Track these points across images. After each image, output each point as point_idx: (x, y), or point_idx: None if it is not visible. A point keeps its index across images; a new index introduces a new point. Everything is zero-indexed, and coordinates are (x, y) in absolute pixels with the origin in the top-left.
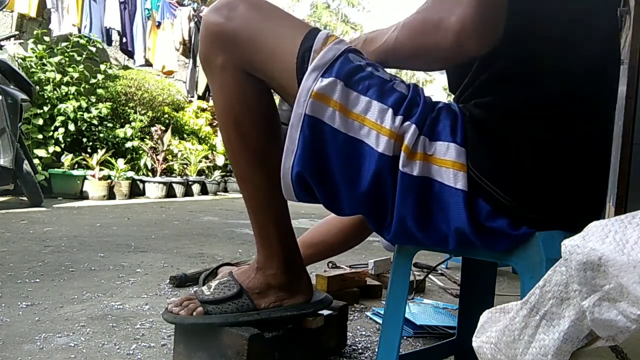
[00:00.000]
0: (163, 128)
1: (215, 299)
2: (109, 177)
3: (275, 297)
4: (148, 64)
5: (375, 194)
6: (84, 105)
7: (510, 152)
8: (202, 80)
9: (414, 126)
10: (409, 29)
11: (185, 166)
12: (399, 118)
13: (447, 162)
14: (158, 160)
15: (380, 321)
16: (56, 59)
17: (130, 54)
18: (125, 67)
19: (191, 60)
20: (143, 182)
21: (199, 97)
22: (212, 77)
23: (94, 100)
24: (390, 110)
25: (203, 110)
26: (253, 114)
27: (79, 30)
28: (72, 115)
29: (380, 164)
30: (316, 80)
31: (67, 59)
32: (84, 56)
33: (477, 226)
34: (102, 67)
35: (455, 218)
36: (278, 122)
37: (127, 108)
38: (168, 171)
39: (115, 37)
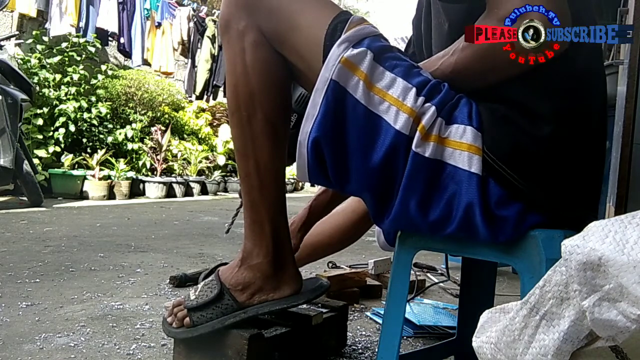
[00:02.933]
0: (163, 128)
1: (198, 305)
2: (109, 177)
3: (260, 292)
4: (146, 64)
5: (385, 170)
6: (85, 105)
7: (527, 138)
8: (200, 81)
9: (433, 107)
10: (475, 49)
11: (185, 166)
12: (421, 99)
13: (463, 145)
14: (158, 160)
15: (380, 321)
16: (55, 59)
17: (128, 55)
18: (125, 67)
19: (190, 60)
20: (143, 182)
21: (197, 97)
22: (231, 42)
23: (94, 101)
24: (413, 90)
25: (203, 110)
26: (270, 85)
27: (76, 31)
28: (72, 116)
29: (395, 141)
30: (347, 49)
31: (66, 59)
32: (83, 56)
33: (487, 211)
34: (104, 67)
35: (467, 198)
36: (291, 100)
37: (127, 108)
38: (168, 171)
39: (111, 37)
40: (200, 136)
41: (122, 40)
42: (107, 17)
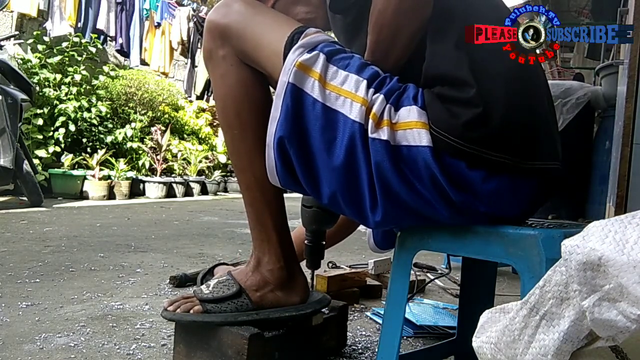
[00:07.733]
0: (163, 128)
1: (214, 298)
2: (109, 177)
3: (273, 297)
4: (144, 64)
5: (350, 165)
6: (85, 105)
7: (459, 104)
8: (200, 81)
9: (382, 96)
10: (372, 29)
11: (185, 166)
12: (371, 90)
13: (411, 124)
14: (158, 160)
15: (380, 321)
16: (56, 59)
17: (126, 55)
18: (125, 67)
19: (189, 60)
20: (143, 182)
21: (197, 97)
22: (214, 69)
23: (94, 101)
24: (364, 82)
25: (203, 110)
26: (252, 102)
27: (75, 31)
28: (72, 116)
29: (353, 131)
30: (302, 54)
31: (67, 59)
32: (84, 56)
33: (451, 180)
34: (106, 69)
35: (428, 172)
36: None
37: (127, 108)
38: (168, 171)
39: (112, 39)
40: (200, 136)
41: (120, 40)
42: (105, 19)
